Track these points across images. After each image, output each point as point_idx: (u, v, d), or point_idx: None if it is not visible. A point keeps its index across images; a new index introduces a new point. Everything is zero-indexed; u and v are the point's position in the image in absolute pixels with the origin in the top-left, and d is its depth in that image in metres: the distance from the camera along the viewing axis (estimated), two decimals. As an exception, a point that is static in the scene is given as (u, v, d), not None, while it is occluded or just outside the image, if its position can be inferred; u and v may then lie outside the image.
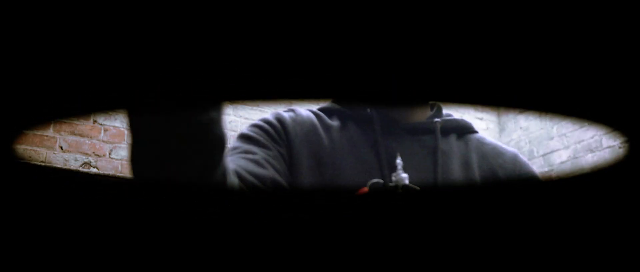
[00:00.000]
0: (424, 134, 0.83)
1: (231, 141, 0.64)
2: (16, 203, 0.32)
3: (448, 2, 0.26)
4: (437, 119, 0.84)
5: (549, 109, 0.31)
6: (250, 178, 0.68)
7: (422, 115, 0.86)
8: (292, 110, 0.85)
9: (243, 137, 0.78)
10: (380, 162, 0.77)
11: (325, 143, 0.79)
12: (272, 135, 0.78)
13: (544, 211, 0.32)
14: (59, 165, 3.17)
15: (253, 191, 0.67)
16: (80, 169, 3.23)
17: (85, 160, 3.29)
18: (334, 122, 0.83)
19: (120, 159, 3.39)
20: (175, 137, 0.45)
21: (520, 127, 4.24)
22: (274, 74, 0.26)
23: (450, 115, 0.89)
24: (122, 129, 3.36)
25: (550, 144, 3.95)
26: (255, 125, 0.80)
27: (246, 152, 0.74)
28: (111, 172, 3.31)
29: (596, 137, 3.59)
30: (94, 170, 3.27)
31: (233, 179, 0.63)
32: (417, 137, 0.82)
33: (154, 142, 0.45)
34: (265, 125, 0.80)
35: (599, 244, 0.33)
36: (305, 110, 0.86)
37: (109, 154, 3.37)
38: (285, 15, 0.25)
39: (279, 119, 0.81)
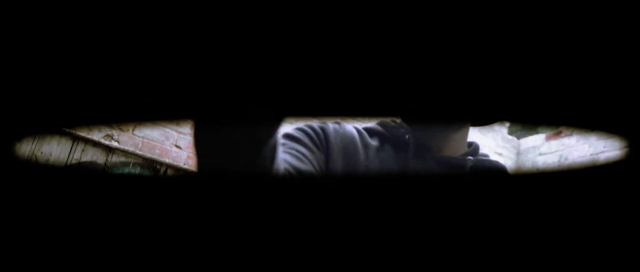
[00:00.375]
0: (453, 170, 0.83)
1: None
2: (16, 202, 0.32)
3: (442, 7, 0.27)
4: (470, 157, 0.85)
5: (548, 116, 0.31)
6: (291, 170, 0.71)
7: (457, 150, 0.86)
8: (338, 123, 0.88)
9: (288, 136, 0.82)
10: None
11: (360, 159, 0.82)
12: (314, 139, 0.81)
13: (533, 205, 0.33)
14: (82, 134, 3.23)
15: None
16: (102, 140, 3.29)
17: (109, 132, 3.35)
18: (373, 142, 0.86)
19: (142, 137, 3.45)
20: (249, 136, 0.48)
21: (537, 169, 4.21)
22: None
23: (486, 155, 0.90)
24: (149, 109, 3.41)
25: (565, 189, 3.90)
26: (299, 129, 0.83)
27: (290, 148, 0.77)
28: (131, 149, 3.37)
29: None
30: (115, 144, 3.33)
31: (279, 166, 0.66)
32: (445, 172, 0.82)
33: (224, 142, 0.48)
34: (309, 130, 0.83)
35: (589, 237, 0.33)
36: (350, 125, 0.89)
37: (133, 130, 3.44)
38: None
39: (322, 127, 0.84)
